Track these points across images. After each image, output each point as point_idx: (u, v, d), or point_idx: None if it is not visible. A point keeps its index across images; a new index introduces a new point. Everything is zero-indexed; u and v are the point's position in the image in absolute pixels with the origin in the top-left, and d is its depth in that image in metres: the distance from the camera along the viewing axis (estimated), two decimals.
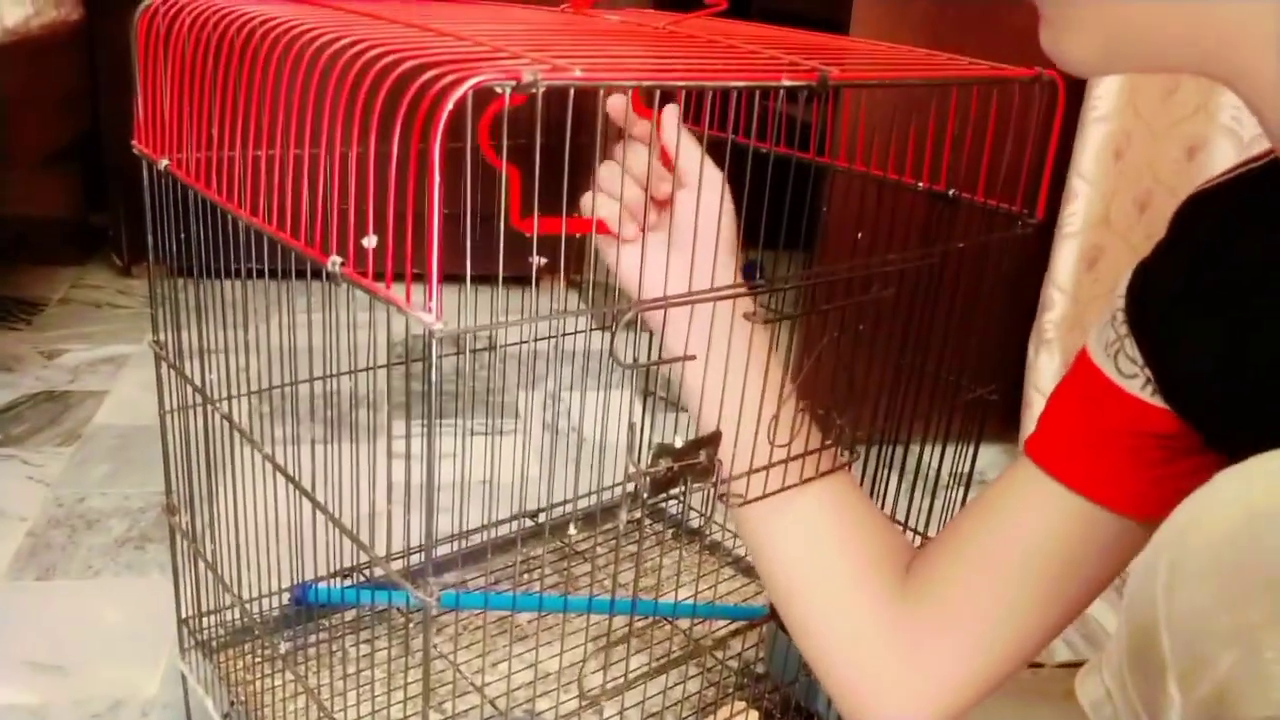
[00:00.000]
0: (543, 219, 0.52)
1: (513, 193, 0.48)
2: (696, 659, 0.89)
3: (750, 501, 0.59)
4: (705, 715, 0.86)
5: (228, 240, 0.63)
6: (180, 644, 0.86)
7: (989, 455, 1.56)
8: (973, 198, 0.71)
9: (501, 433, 1.16)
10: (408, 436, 0.93)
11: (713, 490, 0.56)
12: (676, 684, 0.86)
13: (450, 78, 0.39)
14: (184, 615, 0.84)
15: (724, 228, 0.59)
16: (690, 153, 0.59)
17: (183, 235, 0.66)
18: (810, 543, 0.61)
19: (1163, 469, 0.51)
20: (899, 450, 0.77)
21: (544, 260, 0.57)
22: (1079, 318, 1.45)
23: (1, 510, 1.21)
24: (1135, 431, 0.51)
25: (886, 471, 0.80)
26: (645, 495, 0.50)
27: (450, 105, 0.38)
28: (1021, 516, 0.55)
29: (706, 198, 0.58)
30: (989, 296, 0.72)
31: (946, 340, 0.73)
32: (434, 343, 0.43)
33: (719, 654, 0.90)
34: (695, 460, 0.52)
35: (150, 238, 0.70)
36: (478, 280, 0.46)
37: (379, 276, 0.45)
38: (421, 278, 0.43)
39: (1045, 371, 1.47)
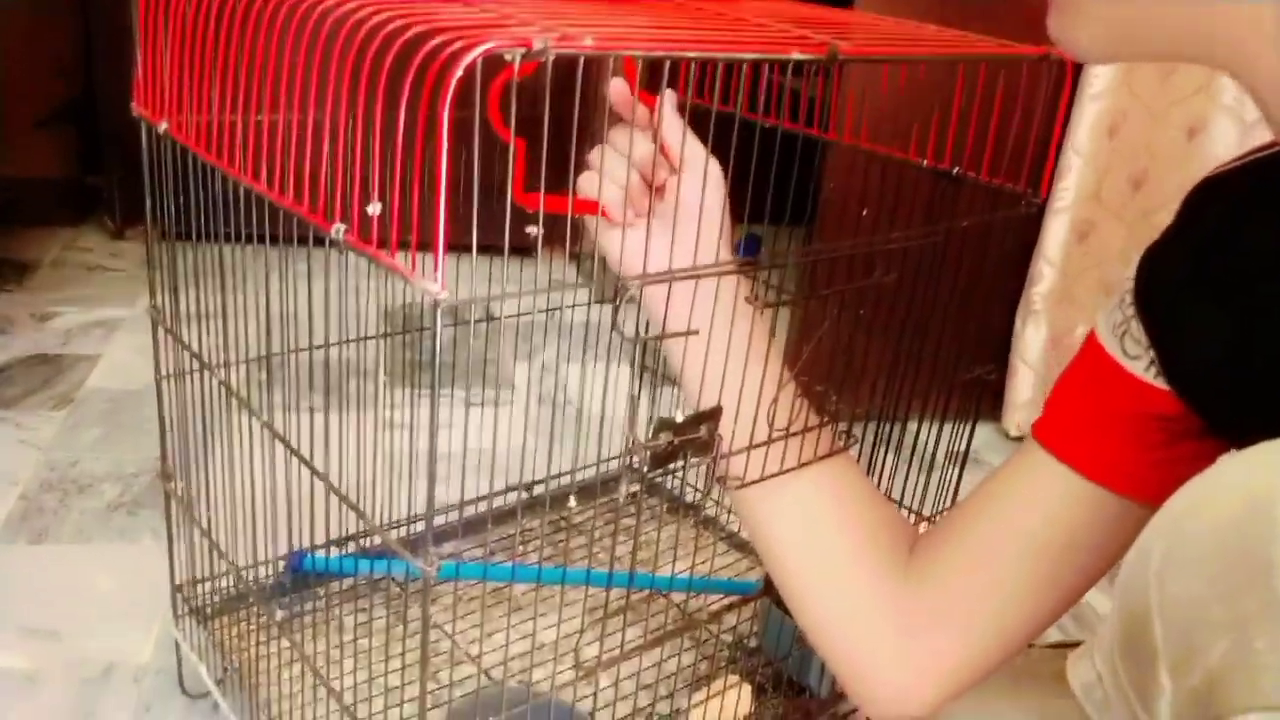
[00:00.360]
0: (547, 196, 0.52)
1: (517, 166, 0.48)
2: (690, 633, 0.90)
3: (749, 484, 0.59)
4: (698, 688, 0.86)
5: (225, 204, 0.63)
6: (174, 610, 0.86)
7: (985, 431, 1.57)
8: (977, 176, 0.71)
9: (498, 404, 1.16)
10: (412, 406, 0.93)
11: (711, 469, 0.56)
12: (670, 656, 0.87)
13: (459, 44, 0.38)
14: (178, 582, 0.84)
15: (720, 217, 0.59)
16: (688, 141, 0.59)
17: (182, 199, 0.65)
18: (808, 523, 0.61)
19: (1164, 451, 0.51)
20: (896, 429, 0.77)
21: (541, 231, 0.56)
22: (1067, 291, 1.45)
23: None
24: (1138, 413, 0.51)
25: (884, 450, 0.80)
26: (645, 468, 0.50)
27: (459, 71, 0.37)
28: (1025, 498, 0.55)
29: (704, 187, 0.58)
30: (990, 276, 0.72)
31: (946, 320, 0.73)
32: (437, 312, 0.43)
33: (712, 628, 0.91)
34: (695, 435, 0.52)
35: (148, 201, 0.70)
36: (478, 250, 0.46)
37: (383, 244, 0.45)
38: (425, 246, 0.43)
39: (1032, 344, 1.48)
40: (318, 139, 0.47)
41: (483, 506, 1.00)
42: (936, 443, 0.79)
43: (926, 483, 0.80)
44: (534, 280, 0.56)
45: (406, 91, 0.39)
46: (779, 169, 0.69)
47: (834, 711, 0.86)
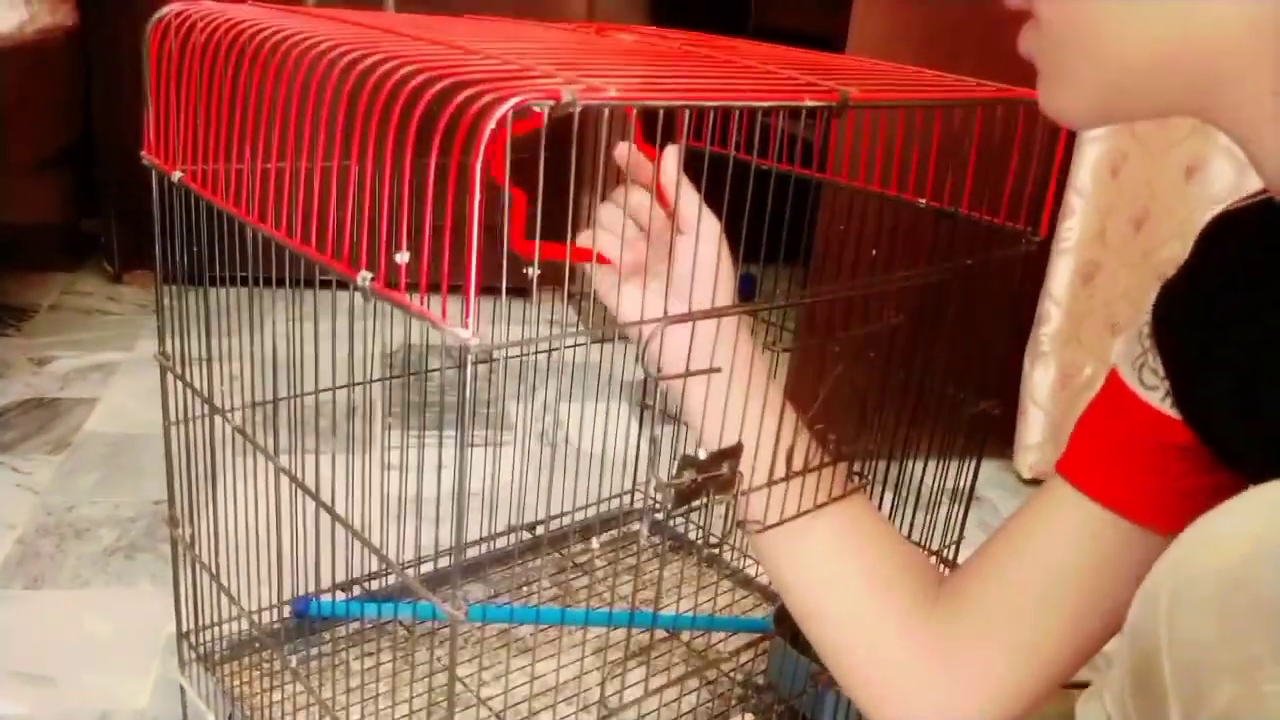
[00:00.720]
0: (544, 244, 0.52)
1: (516, 217, 0.48)
2: (702, 673, 0.89)
3: (769, 528, 0.59)
4: None
5: (231, 249, 0.63)
6: (180, 657, 0.85)
7: (989, 469, 1.57)
8: (979, 215, 0.72)
9: (500, 444, 1.16)
10: (420, 447, 0.93)
11: (731, 510, 0.56)
12: (685, 694, 0.86)
13: (490, 96, 0.39)
14: (184, 629, 0.83)
15: (722, 275, 0.60)
16: (689, 199, 0.60)
17: (195, 248, 0.66)
18: (830, 564, 0.62)
19: (1187, 482, 0.51)
20: (901, 467, 0.77)
21: (539, 272, 0.57)
22: (1074, 332, 1.46)
23: None
24: (1158, 444, 0.52)
25: (882, 489, 0.80)
26: (670, 507, 0.51)
27: (493, 124, 0.38)
28: (1054, 534, 0.56)
29: (703, 248, 0.60)
30: (993, 313, 0.73)
31: (951, 357, 0.74)
32: (469, 357, 0.43)
33: (724, 667, 0.90)
34: (718, 472, 0.52)
35: (158, 248, 0.70)
36: (481, 292, 0.46)
37: (412, 289, 0.45)
38: (435, 289, 0.43)
39: (1041, 384, 1.49)
40: (342, 188, 0.47)
41: (488, 547, 0.99)
42: (942, 479, 0.79)
43: (932, 520, 0.80)
44: (535, 319, 0.57)
45: (437, 143, 0.39)
46: (773, 209, 0.70)
47: None
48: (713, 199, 0.60)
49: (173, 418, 0.75)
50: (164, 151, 0.67)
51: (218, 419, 0.72)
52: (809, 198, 0.76)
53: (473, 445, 1.16)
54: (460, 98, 0.39)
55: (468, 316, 0.42)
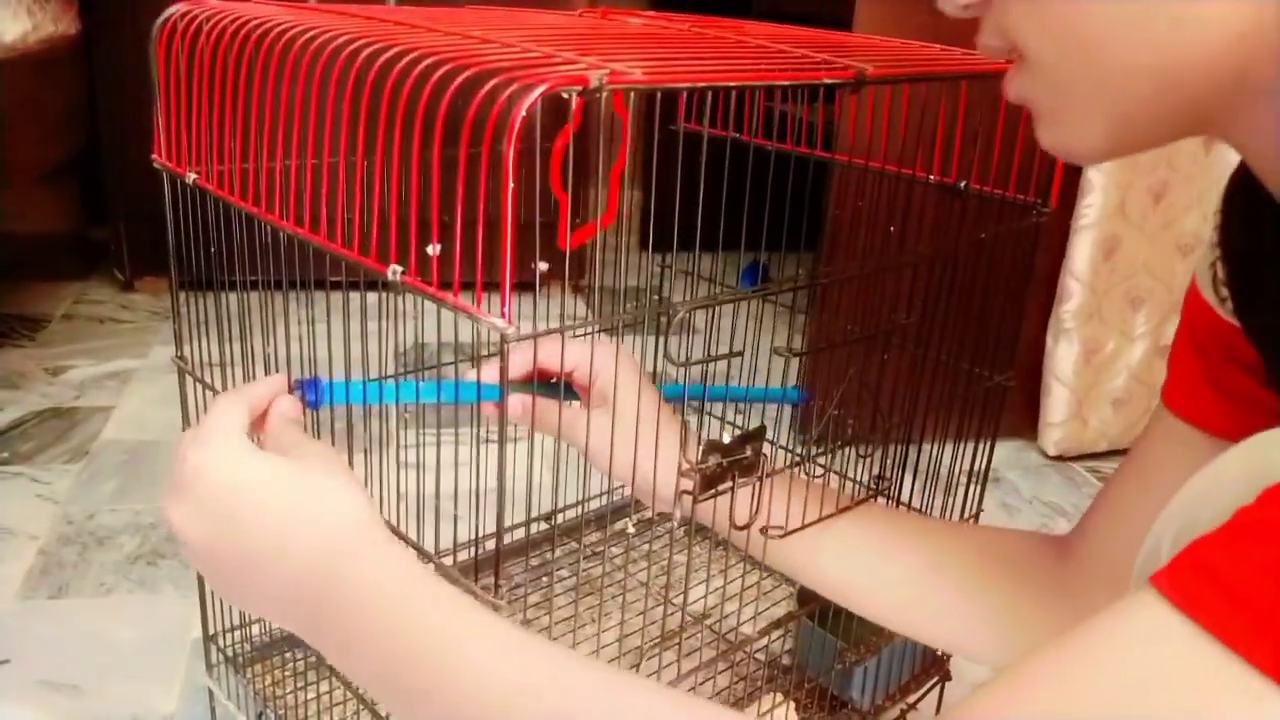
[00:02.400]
0: (575, 232, 0.52)
1: (563, 215, 0.48)
2: (730, 656, 0.89)
3: (791, 532, 0.61)
4: (741, 709, 0.85)
5: (250, 251, 0.63)
6: (207, 660, 0.85)
7: (1008, 449, 1.56)
8: (990, 189, 0.71)
9: (516, 440, 1.16)
10: (437, 445, 0.92)
11: (754, 503, 0.56)
12: (715, 676, 0.86)
13: (520, 84, 0.38)
14: (210, 631, 0.83)
15: (657, 418, 0.62)
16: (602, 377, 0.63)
17: (211, 249, 0.66)
18: (862, 554, 0.64)
19: (1263, 400, 0.49)
20: (919, 448, 0.77)
21: (547, 266, 0.57)
22: (1096, 307, 1.45)
23: (12, 529, 1.20)
24: (1234, 360, 0.50)
25: (901, 471, 0.80)
26: (697, 491, 0.51)
27: (524, 111, 0.38)
28: (1163, 462, 0.55)
29: (624, 405, 0.61)
30: (1007, 285, 0.72)
31: (966, 332, 0.73)
32: (506, 348, 0.43)
33: (748, 649, 0.90)
34: (743, 455, 0.52)
35: (171, 252, 0.70)
36: (488, 287, 0.46)
37: (445, 285, 0.45)
38: (468, 285, 0.43)
39: (1064, 361, 1.48)
40: (367, 182, 0.47)
41: (511, 538, 0.99)
42: (960, 458, 0.79)
43: (951, 498, 0.80)
44: (547, 311, 0.57)
45: (466, 133, 0.39)
46: (780, 193, 0.69)
47: None
48: (715, 182, 0.60)
49: (192, 421, 0.75)
50: (175, 154, 0.66)
51: None
52: (813, 180, 0.75)
53: (486, 441, 1.16)
54: (489, 86, 0.39)
55: (505, 307, 0.42)
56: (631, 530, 0.54)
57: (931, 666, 0.88)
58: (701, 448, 0.52)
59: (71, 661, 0.98)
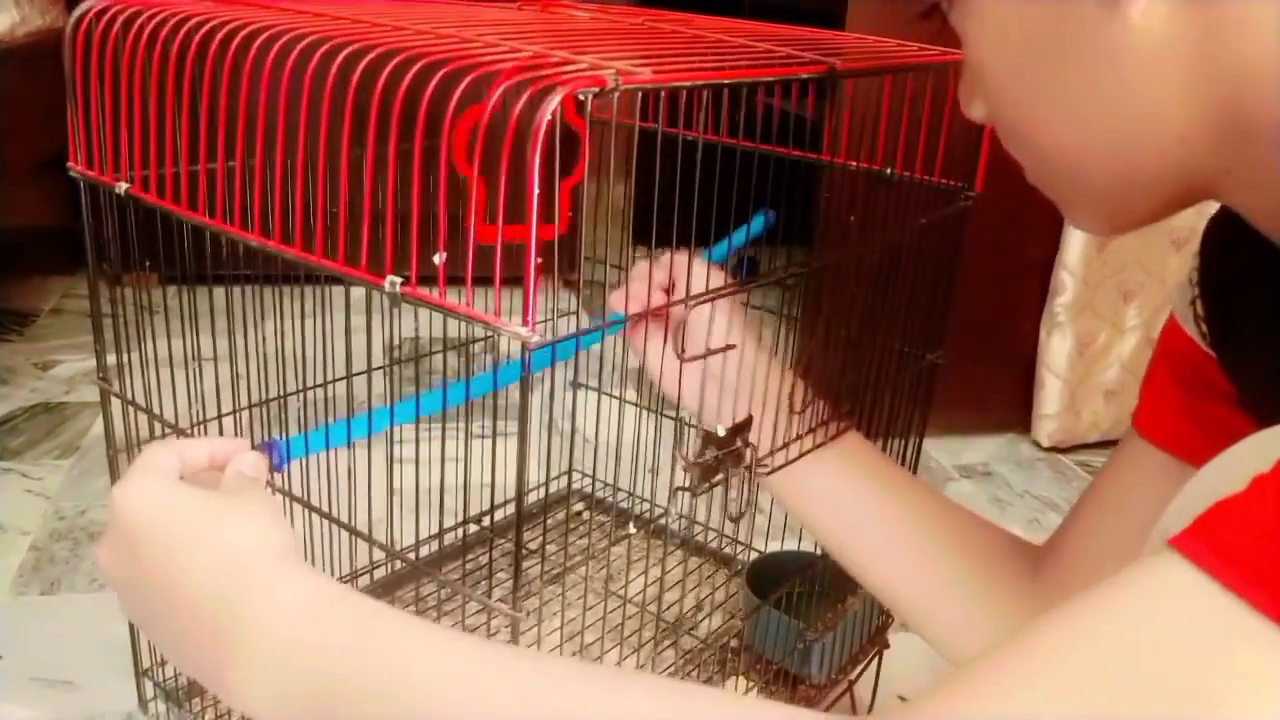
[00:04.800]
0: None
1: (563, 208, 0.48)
2: (669, 639, 0.90)
3: (779, 468, 0.62)
4: None
5: (185, 253, 0.60)
6: (140, 696, 0.81)
7: (999, 443, 1.57)
8: (921, 176, 0.73)
9: (507, 435, 1.16)
10: (429, 440, 0.92)
11: (745, 472, 0.57)
12: (663, 669, 0.87)
13: (540, 86, 0.38)
14: (144, 666, 0.79)
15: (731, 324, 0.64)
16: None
17: (145, 260, 0.62)
18: (849, 486, 0.66)
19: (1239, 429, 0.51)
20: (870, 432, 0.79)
21: (540, 260, 0.57)
22: (1089, 300, 1.46)
23: (3, 525, 1.20)
24: (1212, 390, 0.51)
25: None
26: (695, 485, 0.51)
27: (549, 115, 0.37)
28: (1138, 489, 0.56)
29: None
30: (937, 269, 0.76)
31: (910, 315, 0.77)
32: (528, 355, 0.42)
33: (696, 632, 0.91)
34: (734, 446, 0.53)
35: (89, 262, 0.66)
36: (478, 282, 0.45)
37: (443, 284, 0.43)
38: (500, 285, 0.42)
39: (1058, 354, 1.48)
40: (354, 187, 0.45)
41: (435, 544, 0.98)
42: (904, 442, 0.81)
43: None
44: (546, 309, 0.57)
45: (482, 135, 0.38)
46: (769, 191, 0.71)
47: (834, 694, 0.88)
48: (683, 181, 0.61)
49: (116, 446, 0.70)
50: (97, 161, 0.61)
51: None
52: (789, 176, 0.76)
53: (481, 436, 1.17)
54: (499, 89, 0.38)
55: (529, 314, 0.41)
56: (633, 530, 0.54)
57: (875, 637, 0.91)
58: (699, 440, 0.53)
59: (65, 657, 0.98)
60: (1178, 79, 0.39)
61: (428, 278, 0.45)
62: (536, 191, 0.38)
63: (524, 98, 0.38)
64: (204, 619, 0.43)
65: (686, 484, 0.53)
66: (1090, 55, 0.40)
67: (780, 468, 0.63)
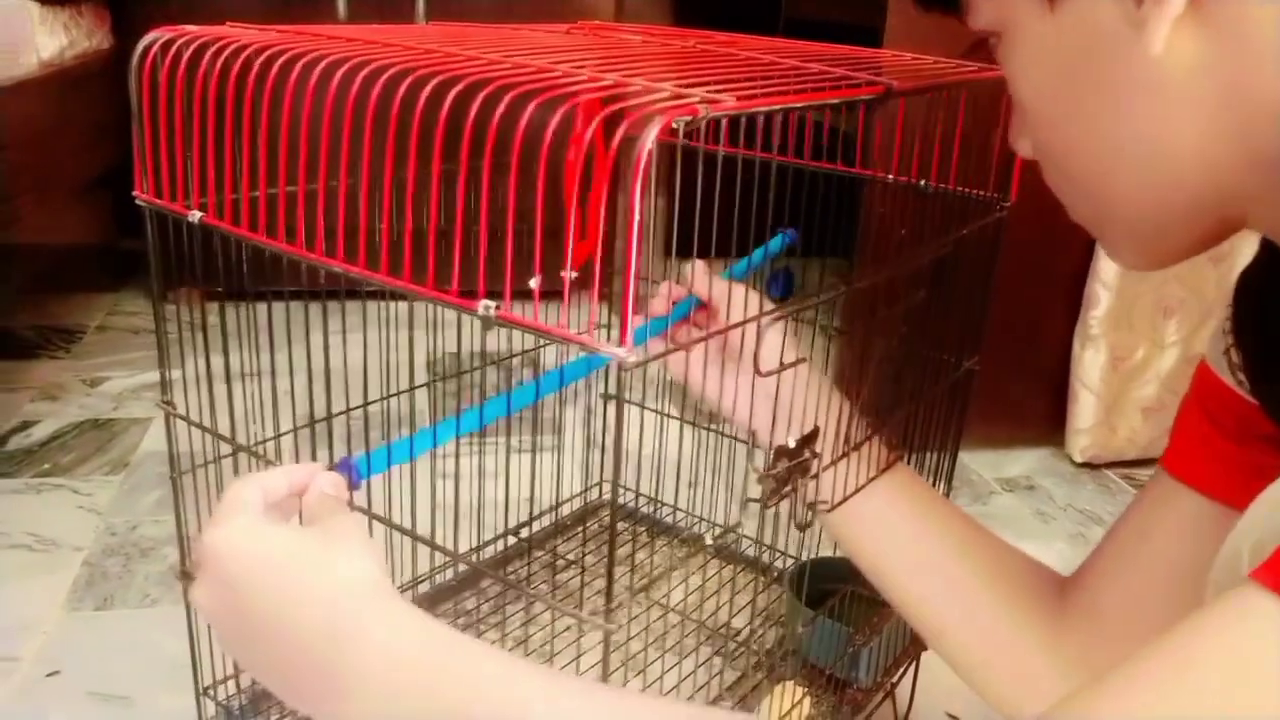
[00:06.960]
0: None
1: (572, 230, 0.49)
2: (718, 648, 0.91)
3: (838, 504, 0.63)
4: (745, 701, 0.87)
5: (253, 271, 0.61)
6: (199, 715, 0.81)
7: (1037, 457, 1.56)
8: (953, 188, 0.74)
9: (552, 449, 1.17)
10: (475, 454, 0.94)
11: (807, 491, 0.58)
12: (713, 677, 0.87)
13: (640, 115, 0.39)
14: (203, 685, 0.79)
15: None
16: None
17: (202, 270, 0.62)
18: (902, 526, 0.67)
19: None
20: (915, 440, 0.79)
21: (576, 274, 0.58)
22: (1124, 314, 1.45)
23: (56, 540, 1.22)
24: (1249, 433, 0.52)
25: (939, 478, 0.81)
26: (767, 497, 0.53)
27: (649, 145, 0.38)
28: (1168, 530, 0.56)
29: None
30: (973, 278, 0.78)
31: (948, 324, 0.78)
32: (627, 377, 0.44)
33: (742, 639, 0.91)
34: (803, 457, 0.54)
35: (154, 290, 0.67)
36: (518, 296, 0.46)
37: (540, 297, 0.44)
38: (597, 306, 0.43)
39: (1091, 368, 1.48)
40: (448, 213, 0.46)
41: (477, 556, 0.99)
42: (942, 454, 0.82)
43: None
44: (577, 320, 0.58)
45: (579, 164, 0.40)
46: (808, 206, 0.72)
47: (879, 698, 0.89)
48: (727, 198, 0.62)
49: (181, 468, 0.71)
50: (167, 190, 0.61)
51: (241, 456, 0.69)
52: (837, 191, 0.77)
53: (520, 451, 1.17)
54: (598, 118, 0.39)
55: (626, 336, 0.42)
56: (710, 542, 0.55)
57: (912, 642, 0.92)
58: (771, 453, 0.54)
59: (121, 673, 1.00)
60: (1204, 108, 0.40)
61: (494, 293, 0.46)
62: (637, 218, 0.39)
63: (622, 127, 0.39)
64: (313, 658, 0.45)
65: (758, 496, 0.54)
66: (1119, 85, 0.42)
67: (841, 502, 0.63)
